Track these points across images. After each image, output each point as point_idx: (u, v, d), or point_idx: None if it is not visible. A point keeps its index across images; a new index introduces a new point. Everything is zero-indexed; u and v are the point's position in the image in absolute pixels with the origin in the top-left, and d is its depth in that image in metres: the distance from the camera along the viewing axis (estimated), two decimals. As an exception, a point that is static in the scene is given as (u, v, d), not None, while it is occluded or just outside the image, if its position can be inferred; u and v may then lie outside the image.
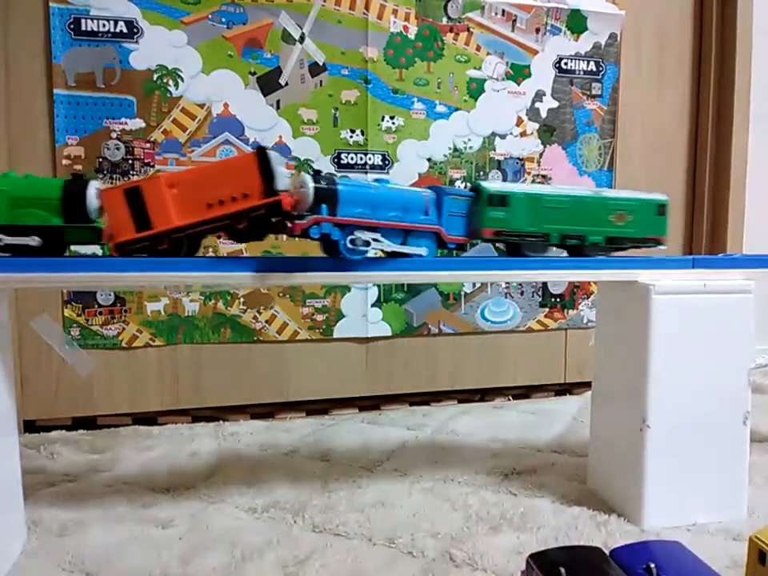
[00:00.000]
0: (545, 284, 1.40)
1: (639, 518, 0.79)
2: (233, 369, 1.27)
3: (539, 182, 1.38)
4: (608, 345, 0.89)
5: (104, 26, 1.16)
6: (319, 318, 1.29)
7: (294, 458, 1.00)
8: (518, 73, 1.37)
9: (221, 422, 1.19)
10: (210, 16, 1.20)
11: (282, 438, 1.08)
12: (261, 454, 1.02)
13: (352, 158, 1.28)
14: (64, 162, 1.16)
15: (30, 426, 1.17)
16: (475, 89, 1.35)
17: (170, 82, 1.19)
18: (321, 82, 1.26)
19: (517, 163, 1.37)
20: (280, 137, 1.25)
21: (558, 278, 0.84)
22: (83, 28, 1.15)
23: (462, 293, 1.36)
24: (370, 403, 1.30)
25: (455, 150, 1.34)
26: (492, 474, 0.92)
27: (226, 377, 1.27)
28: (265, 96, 1.24)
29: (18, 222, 0.72)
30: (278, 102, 1.25)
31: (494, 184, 0.84)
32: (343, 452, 1.01)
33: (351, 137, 1.28)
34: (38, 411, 1.19)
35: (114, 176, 1.18)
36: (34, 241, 0.72)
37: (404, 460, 0.97)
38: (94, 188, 0.74)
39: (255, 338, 1.27)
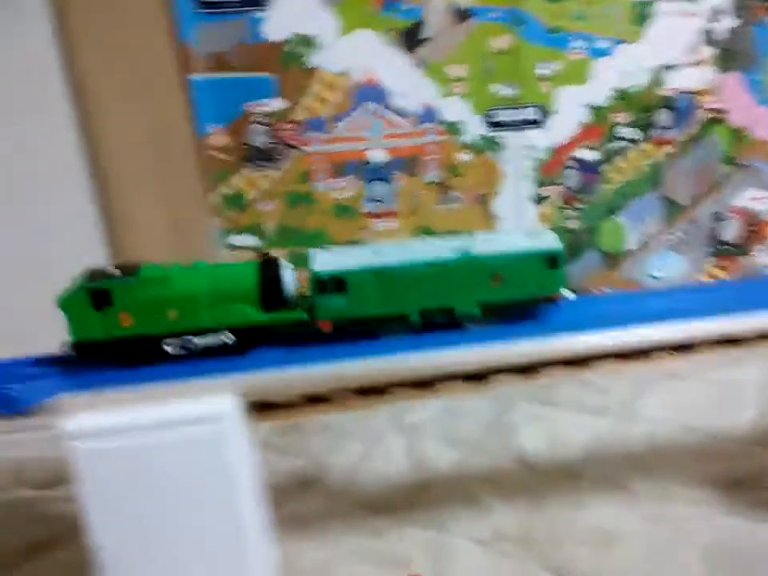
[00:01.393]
0: (714, 231, 1.28)
1: None
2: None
3: (712, 118, 1.21)
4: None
5: (232, -6, 1.04)
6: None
7: (492, 460, 0.98)
8: (692, -13, 1.16)
9: (392, 400, 1.17)
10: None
11: (465, 428, 1.07)
12: (454, 460, 0.99)
13: (506, 115, 1.16)
14: (212, 153, 1.10)
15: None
16: (641, 14, 1.16)
17: (307, 52, 1.08)
18: (467, 30, 1.12)
19: (689, 99, 1.21)
20: (426, 100, 1.13)
21: None
22: None
23: (625, 250, 1.27)
24: (532, 367, 1.27)
25: (619, 91, 1.18)
26: (712, 486, 0.88)
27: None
28: (408, 54, 1.11)
29: (216, 324, 0.65)
30: (423, 59, 1.12)
31: (328, 259, 0.66)
32: (538, 450, 0.99)
33: (503, 90, 1.15)
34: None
35: (262, 163, 1.12)
36: (228, 338, 0.65)
37: (606, 463, 0.95)
38: (288, 269, 0.67)
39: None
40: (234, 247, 1.15)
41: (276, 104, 1.09)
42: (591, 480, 0.92)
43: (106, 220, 1.04)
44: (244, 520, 0.61)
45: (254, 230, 1.14)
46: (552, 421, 1.07)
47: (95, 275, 0.66)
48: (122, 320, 0.63)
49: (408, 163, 1.15)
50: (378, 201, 1.16)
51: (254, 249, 1.15)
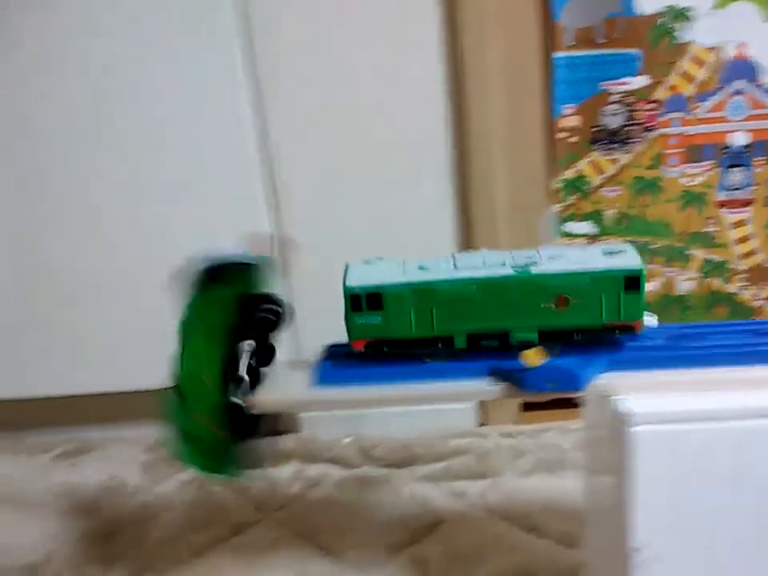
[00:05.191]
0: None
1: None
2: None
3: None
4: None
5: (606, -35, 0.98)
6: (833, 291, 1.11)
7: None
8: None
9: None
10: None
11: None
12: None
13: None
14: (560, 134, 1.05)
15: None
16: None
17: (679, 25, 1.00)
18: None
19: None
20: (803, 77, 1.02)
21: None
22: (579, -28, 0.99)
23: None
24: None
25: None
26: None
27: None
28: (788, 27, 1.01)
29: None
30: (804, 32, 1.01)
31: (365, 272, 0.59)
32: None
33: None
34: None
35: (612, 146, 1.05)
36: None
37: None
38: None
39: (753, 317, 1.13)
40: (570, 235, 1.09)
41: (638, 82, 1.02)
42: None
43: (462, 199, 1.02)
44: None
45: (593, 217, 1.08)
46: None
47: None
48: None
49: (771, 147, 1.05)
50: (734, 189, 1.06)
51: (590, 237, 1.09)
